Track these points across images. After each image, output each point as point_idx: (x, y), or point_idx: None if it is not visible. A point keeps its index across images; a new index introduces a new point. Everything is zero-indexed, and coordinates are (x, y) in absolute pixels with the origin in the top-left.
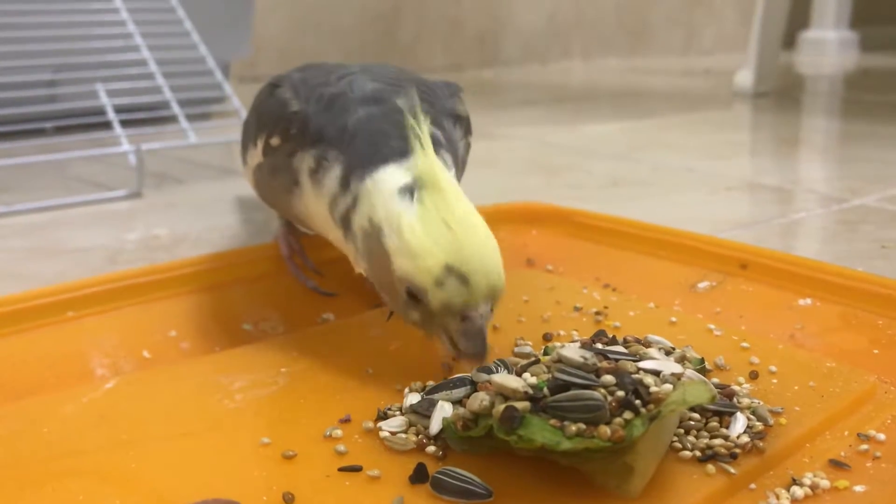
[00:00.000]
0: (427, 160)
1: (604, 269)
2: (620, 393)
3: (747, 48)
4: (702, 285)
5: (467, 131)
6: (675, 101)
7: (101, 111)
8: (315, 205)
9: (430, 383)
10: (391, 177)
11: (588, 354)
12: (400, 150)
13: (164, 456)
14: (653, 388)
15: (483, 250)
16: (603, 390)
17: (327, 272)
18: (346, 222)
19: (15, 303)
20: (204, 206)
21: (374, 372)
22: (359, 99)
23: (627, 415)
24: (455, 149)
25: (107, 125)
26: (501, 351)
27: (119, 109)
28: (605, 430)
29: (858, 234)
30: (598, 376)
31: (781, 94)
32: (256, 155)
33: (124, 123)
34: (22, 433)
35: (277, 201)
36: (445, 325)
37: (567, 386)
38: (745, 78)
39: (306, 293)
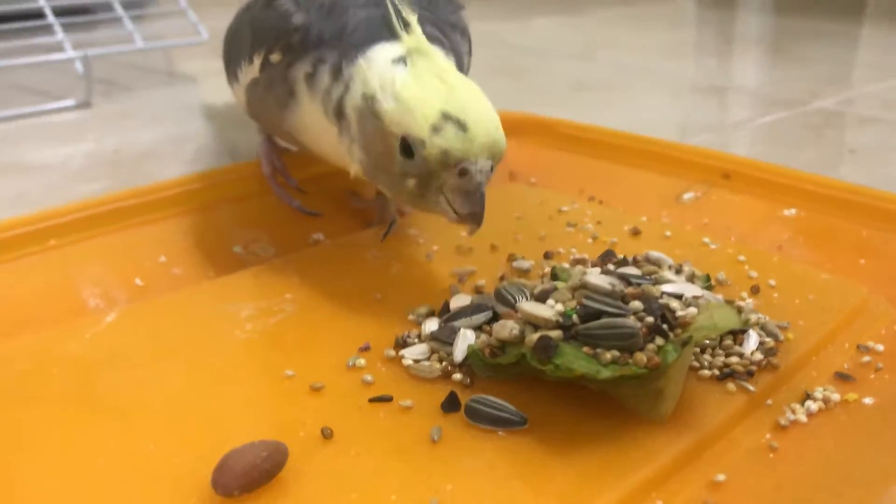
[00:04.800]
0: (414, 36)
1: (587, 180)
2: (650, 319)
3: None
4: (686, 196)
5: (470, 49)
6: None
7: (39, 13)
8: (310, 112)
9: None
10: (381, 52)
11: (615, 281)
12: (391, 36)
13: (188, 394)
14: (679, 313)
15: (480, 101)
16: (633, 317)
17: (311, 190)
18: (339, 112)
19: None
20: (158, 115)
21: (382, 296)
22: (361, 3)
23: (659, 340)
24: (461, 59)
25: (46, 29)
26: (500, 268)
27: (57, 12)
28: (641, 356)
29: (824, 139)
30: (626, 302)
31: None
32: (251, 71)
33: (64, 27)
34: (30, 373)
35: (270, 117)
36: (442, 184)
37: (598, 314)
38: None
39: (293, 213)
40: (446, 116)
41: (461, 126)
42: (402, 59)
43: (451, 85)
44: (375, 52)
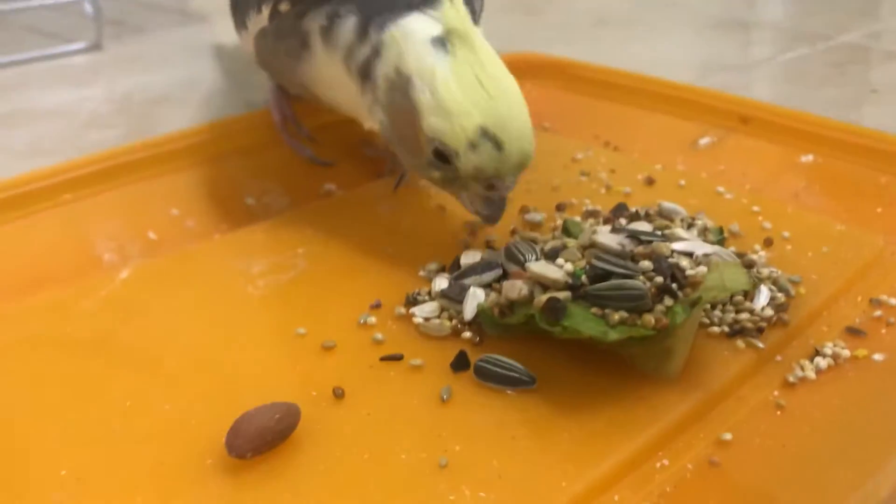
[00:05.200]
0: (457, 12)
1: (602, 125)
2: (659, 279)
3: None
4: (703, 141)
5: None
6: None
7: None
8: (326, 66)
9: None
10: (420, 25)
11: (624, 240)
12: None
13: (202, 354)
14: (689, 272)
15: (518, 115)
16: (642, 277)
17: (322, 139)
18: (364, 72)
19: (8, 189)
20: (170, 58)
21: (393, 251)
22: None
23: (668, 301)
24: (472, 5)
25: None
26: (512, 221)
27: None
28: (650, 318)
29: (847, 77)
30: (635, 261)
31: None
32: (260, 20)
33: None
34: (46, 331)
35: (281, 68)
36: (468, 186)
37: (606, 275)
38: None
39: (305, 163)
40: (484, 132)
41: (498, 145)
42: (441, 42)
43: (491, 92)
44: (411, 24)
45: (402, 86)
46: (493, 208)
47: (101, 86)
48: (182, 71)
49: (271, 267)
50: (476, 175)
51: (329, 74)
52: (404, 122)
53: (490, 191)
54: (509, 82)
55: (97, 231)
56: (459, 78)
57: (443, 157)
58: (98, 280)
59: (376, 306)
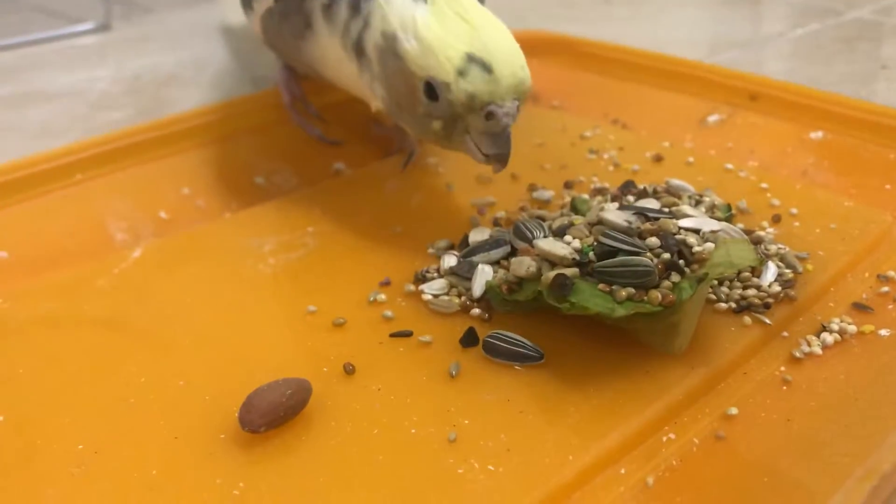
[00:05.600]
0: None
1: (611, 103)
2: (666, 255)
3: None
4: (712, 118)
5: None
6: None
7: None
8: (328, 45)
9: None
10: None
11: (631, 217)
12: None
13: (215, 331)
14: (696, 248)
15: (503, 40)
16: (649, 254)
17: (331, 118)
18: (359, 49)
19: (21, 168)
20: (179, 38)
21: (402, 229)
22: None
23: (674, 277)
24: None
25: None
26: (521, 198)
27: None
28: (656, 294)
29: (857, 53)
30: (642, 238)
31: None
32: (267, 1)
33: None
34: (61, 310)
35: (287, 48)
36: (468, 125)
37: (614, 251)
38: None
39: (314, 142)
40: (471, 58)
41: (487, 68)
42: None
43: (473, 24)
44: None
45: (389, 46)
46: (499, 144)
47: (110, 66)
48: (191, 51)
49: (281, 245)
50: (471, 104)
51: (331, 54)
52: (399, 81)
53: (490, 121)
54: (492, 16)
55: (109, 211)
56: (440, 18)
57: (435, 94)
58: (111, 259)
59: (386, 284)
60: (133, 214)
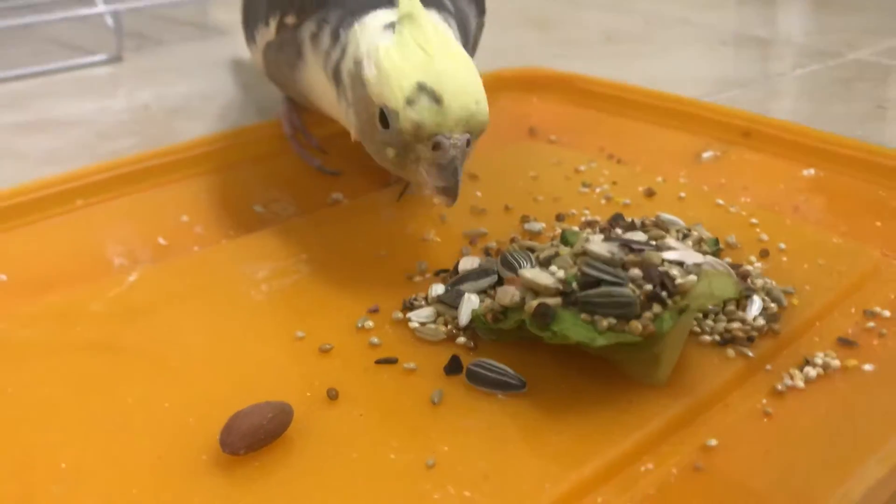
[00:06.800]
0: (411, 1)
1: (608, 138)
2: (648, 286)
3: None
4: (706, 155)
5: (481, 11)
6: None
7: None
8: (314, 74)
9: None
10: (376, 18)
11: (615, 248)
12: (392, 1)
13: (203, 354)
14: (678, 280)
15: (459, 72)
16: (632, 285)
17: (331, 149)
18: (337, 76)
19: (23, 194)
20: (188, 70)
21: (394, 258)
22: None
23: (656, 308)
24: (465, 23)
25: None
26: (513, 230)
27: None
28: (637, 325)
29: (854, 93)
30: (626, 269)
31: None
32: (268, 34)
33: None
34: (55, 331)
35: (283, 78)
36: (419, 156)
37: (597, 282)
38: None
39: (314, 172)
40: (421, 88)
41: (435, 98)
42: (392, 25)
43: (431, 54)
44: (371, 18)
45: (358, 73)
46: (445, 175)
47: (120, 97)
48: (199, 83)
49: (275, 272)
50: (418, 133)
51: (316, 81)
52: (362, 108)
53: (437, 152)
54: (456, 48)
55: (108, 236)
56: (401, 47)
57: (387, 122)
58: (107, 283)
59: (374, 311)
60: (132, 240)
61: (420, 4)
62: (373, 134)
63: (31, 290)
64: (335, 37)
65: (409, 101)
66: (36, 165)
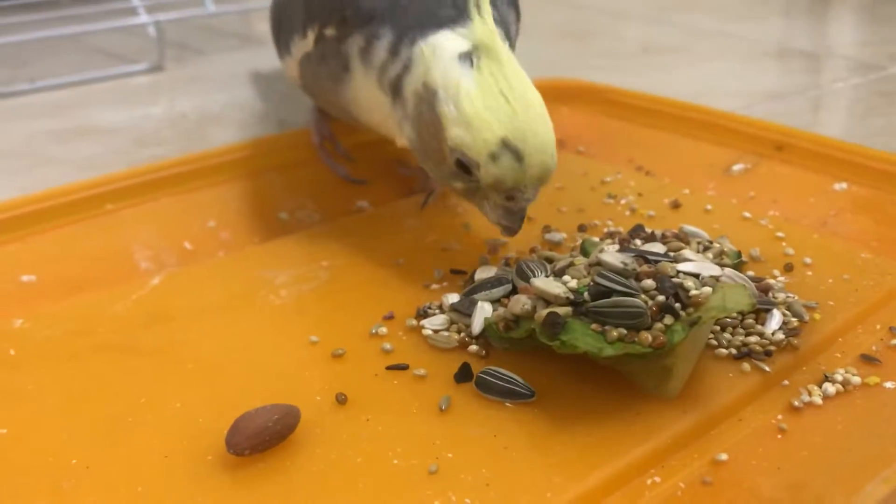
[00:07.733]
0: (485, 27)
1: (637, 150)
2: (661, 298)
3: None
4: (736, 168)
5: (518, 17)
6: None
7: None
8: (363, 87)
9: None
10: (448, 42)
11: (628, 259)
12: (454, 17)
13: (218, 357)
14: (693, 292)
15: (540, 129)
16: (644, 296)
17: (359, 157)
18: (395, 88)
19: (54, 197)
20: (226, 79)
21: (413, 265)
22: None
23: (668, 320)
24: (508, 29)
25: None
26: (533, 240)
27: None
28: (647, 336)
29: (894, 107)
30: (638, 280)
31: None
32: (305, 45)
33: None
34: (77, 333)
35: (323, 90)
36: (489, 197)
37: (608, 292)
38: None
39: (339, 180)
40: (505, 144)
41: (518, 157)
42: (468, 56)
43: (514, 107)
44: (440, 41)
45: (428, 99)
46: (512, 219)
47: (159, 105)
48: (237, 93)
49: (295, 277)
50: (496, 186)
51: (365, 95)
52: (430, 134)
53: (510, 202)
54: (533, 96)
55: (135, 240)
56: (483, 91)
57: (465, 167)
58: (131, 286)
59: (389, 317)
60: (158, 244)
61: (496, 33)
62: (438, 161)
63: (58, 291)
64: (395, 51)
65: (493, 157)
66: (74, 171)
